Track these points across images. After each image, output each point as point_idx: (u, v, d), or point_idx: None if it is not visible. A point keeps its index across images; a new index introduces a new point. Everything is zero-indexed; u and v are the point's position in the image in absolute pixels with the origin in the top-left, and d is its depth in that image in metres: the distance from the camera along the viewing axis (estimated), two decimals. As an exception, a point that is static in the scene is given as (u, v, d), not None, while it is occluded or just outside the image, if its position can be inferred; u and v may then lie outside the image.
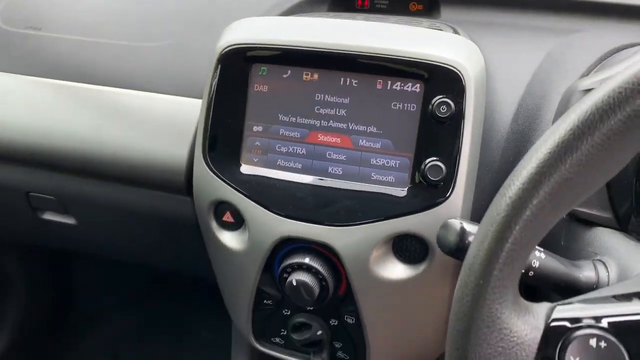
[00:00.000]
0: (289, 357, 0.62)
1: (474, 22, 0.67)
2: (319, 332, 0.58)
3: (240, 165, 0.56)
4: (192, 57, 0.67)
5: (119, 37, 0.71)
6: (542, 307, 0.32)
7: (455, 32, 0.60)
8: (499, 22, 0.67)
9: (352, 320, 0.57)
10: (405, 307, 0.56)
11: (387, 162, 0.53)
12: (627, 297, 0.32)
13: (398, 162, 0.53)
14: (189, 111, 0.63)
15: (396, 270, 0.54)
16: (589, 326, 0.30)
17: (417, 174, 0.51)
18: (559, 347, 0.30)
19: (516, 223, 0.29)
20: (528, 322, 0.31)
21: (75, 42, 0.72)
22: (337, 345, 0.60)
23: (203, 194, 0.58)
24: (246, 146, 0.56)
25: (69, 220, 0.81)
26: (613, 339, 0.30)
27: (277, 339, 0.62)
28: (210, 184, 0.57)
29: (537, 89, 0.57)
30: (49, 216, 0.82)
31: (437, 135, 0.51)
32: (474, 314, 0.31)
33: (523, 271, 0.40)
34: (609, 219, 0.47)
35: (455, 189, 0.50)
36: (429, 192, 0.51)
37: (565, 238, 0.50)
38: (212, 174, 0.57)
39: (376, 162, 0.53)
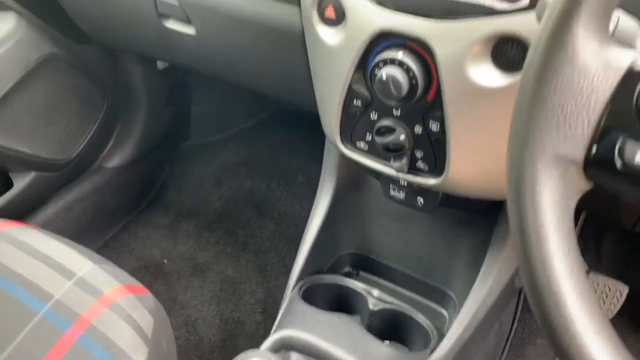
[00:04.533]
0: (371, 162, 0.65)
1: None
2: (402, 137, 0.59)
3: None
4: None
5: None
6: (628, 53, 0.30)
7: None
8: None
9: (437, 128, 0.57)
10: (494, 121, 0.55)
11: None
12: None
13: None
14: None
15: (492, 77, 0.52)
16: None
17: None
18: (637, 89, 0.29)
19: None
20: (611, 60, 0.30)
21: None
22: (418, 154, 0.60)
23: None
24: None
25: (190, 31, 0.86)
26: None
27: (362, 144, 0.64)
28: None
29: None
30: (172, 25, 0.88)
31: None
32: (559, 32, 0.29)
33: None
34: None
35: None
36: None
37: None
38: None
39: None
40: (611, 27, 0.37)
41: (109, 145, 1.28)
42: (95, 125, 1.20)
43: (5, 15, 0.96)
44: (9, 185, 1.07)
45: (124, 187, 1.33)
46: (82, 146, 1.17)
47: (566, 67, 0.29)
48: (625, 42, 0.37)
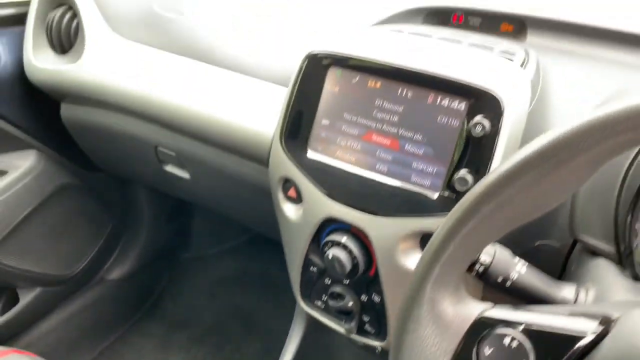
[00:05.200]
0: (326, 320, 0.73)
1: (555, 49, 0.70)
2: (350, 304, 0.68)
3: (307, 150, 0.67)
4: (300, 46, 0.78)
5: (242, 28, 0.85)
6: (480, 305, 0.39)
7: (527, 56, 0.64)
8: (580, 52, 0.69)
9: (378, 299, 0.66)
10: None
11: (426, 168, 0.60)
12: (561, 312, 0.38)
13: (435, 169, 0.59)
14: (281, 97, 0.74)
15: (419, 263, 0.61)
16: (508, 326, 0.37)
17: (449, 182, 0.58)
18: (478, 339, 0.37)
19: (452, 239, 0.36)
20: (460, 314, 0.38)
21: (207, 27, 0.87)
22: (365, 318, 0.68)
23: (276, 170, 0.70)
24: (314, 135, 0.66)
25: (185, 175, 0.98)
26: (524, 341, 0.36)
27: (319, 302, 0.73)
28: (282, 162, 0.68)
29: None
30: (170, 169, 1.00)
31: (471, 151, 0.57)
32: (416, 295, 0.38)
33: (500, 280, 0.46)
34: (612, 253, 0.50)
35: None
36: (457, 200, 0.57)
37: (574, 264, 0.54)
38: (284, 154, 0.68)
39: (417, 166, 0.60)
40: (488, 260, 0.46)
41: (112, 259, 1.38)
42: (101, 242, 1.30)
43: (27, 153, 1.09)
44: (15, 299, 1.16)
45: (124, 298, 1.41)
46: (86, 262, 1.27)
47: (422, 322, 0.38)
48: (501, 273, 0.46)
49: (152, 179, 1.11)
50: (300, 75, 0.67)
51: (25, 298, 1.17)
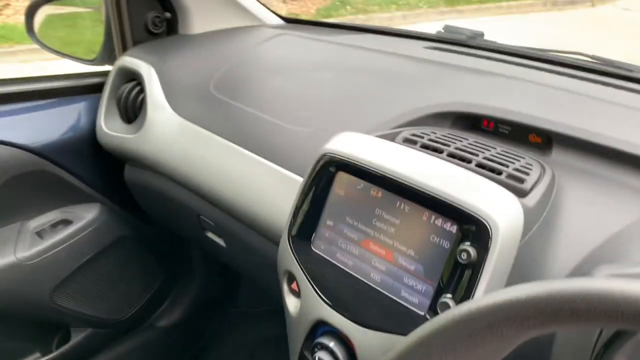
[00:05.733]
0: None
1: (579, 169, 0.68)
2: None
3: (311, 248, 0.69)
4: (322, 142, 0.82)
5: (281, 117, 0.89)
6: None
7: (543, 173, 0.63)
8: (604, 175, 0.66)
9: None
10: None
11: (416, 285, 0.60)
12: None
13: (424, 288, 0.59)
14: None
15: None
16: None
17: (435, 303, 0.57)
18: None
19: None
20: None
21: (251, 114, 0.93)
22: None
23: (281, 261, 0.72)
24: (318, 234, 0.68)
25: (221, 242, 1.03)
26: None
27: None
28: (287, 256, 0.71)
29: (600, 258, 0.57)
30: (210, 235, 1.06)
31: (457, 277, 0.56)
32: None
33: None
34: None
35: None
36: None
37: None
38: (289, 248, 0.70)
39: (407, 281, 0.60)
40: None
41: (162, 307, 1.45)
42: (152, 291, 1.38)
43: (91, 206, 1.20)
44: (67, 337, 1.26)
45: (170, 345, 1.48)
46: (137, 308, 1.36)
47: None
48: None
49: (198, 241, 1.18)
50: (313, 174, 0.70)
51: (77, 337, 1.26)
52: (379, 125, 0.80)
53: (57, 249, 1.12)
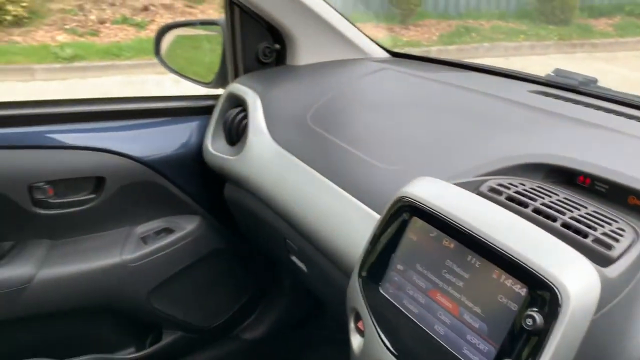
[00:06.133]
0: None
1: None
2: None
3: (379, 291, 0.69)
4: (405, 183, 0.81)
5: (369, 153, 0.90)
6: None
7: (636, 241, 0.58)
8: None
9: None
10: None
11: (478, 344, 0.57)
12: None
13: (486, 348, 0.57)
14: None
15: None
16: None
17: (496, 366, 0.55)
18: None
19: None
20: None
21: (340, 147, 0.95)
22: None
23: (350, 299, 0.73)
24: (387, 277, 0.68)
25: (304, 267, 1.06)
26: None
27: None
28: (355, 294, 0.71)
29: None
30: (294, 259, 1.09)
31: (521, 342, 0.53)
32: None
33: None
34: None
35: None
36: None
37: None
38: (358, 287, 0.71)
39: (470, 338, 0.58)
40: None
41: (248, 321, 1.51)
42: (241, 303, 1.45)
43: (192, 218, 1.29)
44: (159, 338, 1.35)
45: (253, 358, 1.53)
46: (225, 318, 1.43)
47: None
48: None
49: (285, 263, 1.22)
50: (388, 215, 0.70)
51: (168, 339, 1.35)
52: (466, 170, 0.78)
53: (158, 255, 1.22)
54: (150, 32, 6.58)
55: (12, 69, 5.50)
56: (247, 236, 1.35)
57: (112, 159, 1.15)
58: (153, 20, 6.82)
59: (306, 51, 1.22)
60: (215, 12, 7.26)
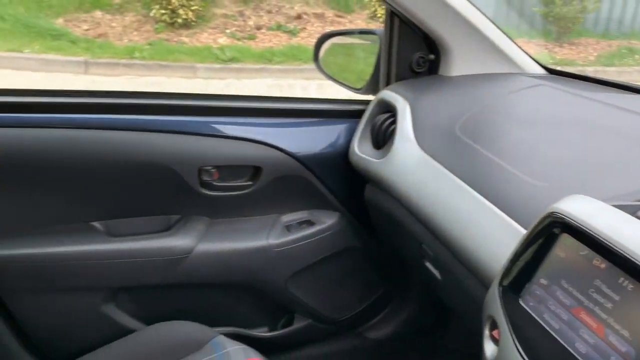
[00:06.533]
0: None
1: None
2: None
3: (519, 302, 0.69)
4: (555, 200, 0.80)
5: (519, 167, 0.90)
6: None
7: None
8: None
9: None
10: None
11: (623, 368, 0.56)
12: None
13: (632, 373, 0.55)
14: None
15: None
16: None
17: (641, 394, 0.53)
18: None
19: None
20: None
21: (488, 159, 0.95)
22: None
23: (487, 307, 0.74)
24: (529, 289, 0.69)
25: (437, 274, 1.08)
26: None
27: None
28: (494, 303, 0.72)
29: None
30: (428, 265, 1.11)
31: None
32: None
33: None
34: None
35: None
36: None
37: None
38: (498, 296, 0.72)
39: (614, 362, 0.57)
40: None
41: (374, 320, 1.55)
42: (369, 303, 1.49)
43: (332, 214, 1.37)
44: (290, 322, 1.44)
45: (373, 358, 1.57)
46: (353, 314, 1.48)
47: None
48: None
49: (417, 267, 1.24)
50: (537, 229, 0.70)
51: (299, 324, 1.44)
52: (623, 194, 0.76)
53: (299, 244, 1.31)
54: (301, 39, 6.93)
55: (178, 66, 6.12)
56: (382, 237, 1.39)
57: (269, 151, 1.26)
58: (304, 28, 7.17)
59: (460, 62, 1.23)
60: (363, 21, 7.44)
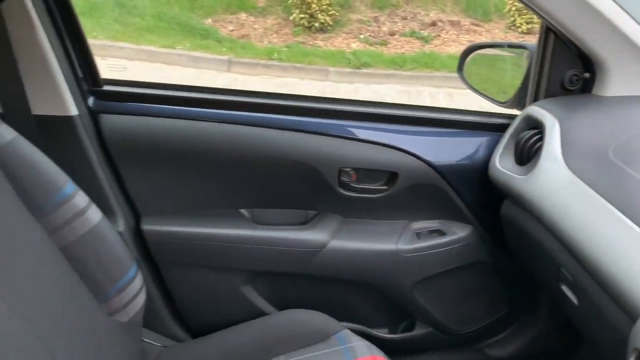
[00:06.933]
0: None
1: None
2: None
3: None
4: None
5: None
6: None
7: None
8: None
9: None
10: None
11: None
12: None
13: None
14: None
15: None
16: None
17: None
18: None
19: None
20: None
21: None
22: None
23: (634, 340, 0.72)
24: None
25: (574, 300, 1.05)
26: None
27: None
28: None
29: None
30: (565, 289, 1.08)
31: None
32: None
33: None
34: None
35: None
36: None
37: None
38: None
39: None
40: None
41: (496, 338, 1.53)
42: (493, 320, 1.47)
43: (464, 226, 1.37)
44: (411, 327, 1.47)
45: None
46: (475, 329, 1.47)
47: None
48: None
49: (550, 290, 1.21)
50: None
51: (419, 331, 1.46)
52: None
53: (428, 252, 1.34)
54: (434, 46, 6.86)
55: (311, 69, 6.36)
56: (514, 255, 1.37)
57: (406, 158, 1.30)
58: (438, 36, 7.08)
59: (617, 82, 1.18)
60: (501, 31, 7.20)
